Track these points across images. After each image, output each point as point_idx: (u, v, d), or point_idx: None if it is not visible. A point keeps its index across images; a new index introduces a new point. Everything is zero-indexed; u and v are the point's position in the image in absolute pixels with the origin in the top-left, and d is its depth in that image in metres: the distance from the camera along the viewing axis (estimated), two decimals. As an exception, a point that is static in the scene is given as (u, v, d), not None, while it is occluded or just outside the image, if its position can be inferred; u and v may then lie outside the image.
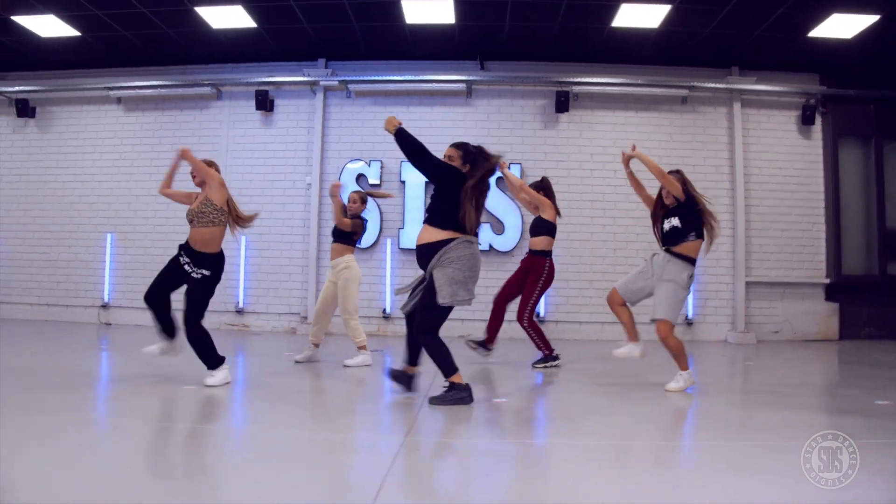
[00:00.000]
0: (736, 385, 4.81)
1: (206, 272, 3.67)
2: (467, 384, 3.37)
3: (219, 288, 7.19)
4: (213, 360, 3.73)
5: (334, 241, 4.78)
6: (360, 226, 4.82)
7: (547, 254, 4.91)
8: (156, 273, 3.80)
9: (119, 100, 7.59)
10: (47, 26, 6.56)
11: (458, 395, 3.30)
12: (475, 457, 2.63)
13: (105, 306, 7.43)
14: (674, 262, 3.81)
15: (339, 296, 4.68)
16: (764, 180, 7.19)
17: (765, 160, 7.21)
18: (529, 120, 7.20)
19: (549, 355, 4.84)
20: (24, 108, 7.60)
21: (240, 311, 7.22)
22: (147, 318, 3.95)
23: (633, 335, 4.05)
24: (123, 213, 7.51)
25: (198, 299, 3.66)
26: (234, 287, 7.27)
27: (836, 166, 7.17)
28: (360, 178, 7.13)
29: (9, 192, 7.68)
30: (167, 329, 3.79)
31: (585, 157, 7.15)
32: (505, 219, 6.97)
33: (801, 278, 7.12)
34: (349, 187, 7.08)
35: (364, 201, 4.90)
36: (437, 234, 3.30)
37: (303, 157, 7.29)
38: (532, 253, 4.97)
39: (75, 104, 7.67)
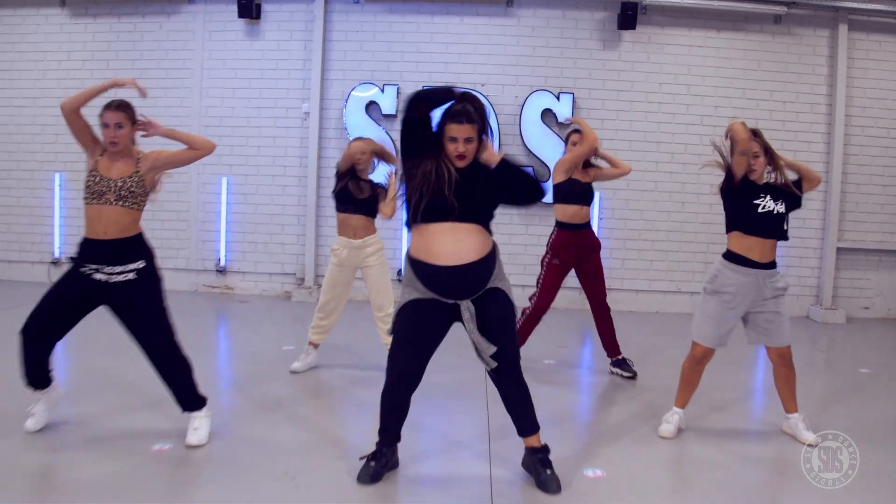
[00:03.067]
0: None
1: (139, 264, 2.43)
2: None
3: (196, 242, 6.04)
4: (195, 398, 2.55)
5: (352, 212, 3.44)
6: (385, 191, 3.51)
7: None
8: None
9: (63, 2, 5.97)
10: None
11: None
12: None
13: (56, 262, 6.07)
14: None
15: (377, 288, 3.50)
16: (867, 123, 5.86)
17: (871, 98, 5.84)
18: (585, 38, 5.72)
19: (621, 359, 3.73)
20: (-58, 9, 5.98)
21: (221, 271, 5.90)
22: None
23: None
24: (75, 147, 5.90)
25: (154, 314, 2.45)
26: (214, 241, 5.91)
27: (958, 108, 5.84)
28: (371, 106, 5.68)
29: (-72, 116, 6.14)
30: (42, 377, 2.49)
31: (653, 86, 5.73)
32: (552, 162, 5.59)
33: (901, 244, 5.93)
34: (358, 123, 5.65)
35: (374, 153, 3.49)
36: (489, 241, 2.20)
37: (299, 78, 5.80)
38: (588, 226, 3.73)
39: (6, 6, 6.05)
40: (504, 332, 2.19)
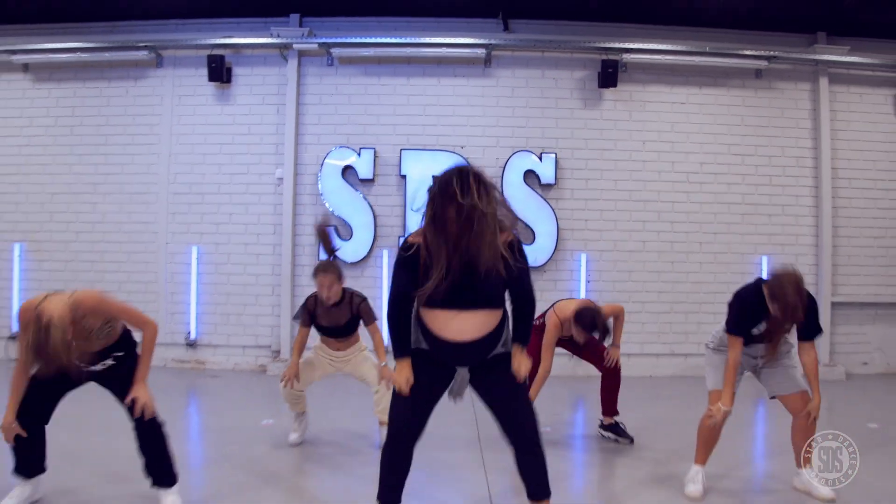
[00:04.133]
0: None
1: (118, 353, 2.51)
2: None
3: (165, 314, 5.71)
4: (170, 473, 2.54)
5: (332, 336, 3.30)
6: (368, 308, 3.26)
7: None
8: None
9: (26, 67, 5.76)
10: None
11: None
12: None
13: (14, 337, 5.70)
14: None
15: (359, 376, 3.40)
16: (854, 175, 5.78)
17: (855, 150, 5.78)
18: (566, 97, 5.61)
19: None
20: None
21: (191, 344, 5.57)
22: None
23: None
24: (36, 217, 5.76)
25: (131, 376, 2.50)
26: (184, 313, 5.60)
27: (942, 158, 5.80)
28: (348, 171, 5.48)
29: None
30: (35, 465, 2.53)
31: (636, 144, 5.62)
32: (536, 224, 5.43)
33: None
34: (333, 188, 5.45)
35: (341, 277, 3.18)
36: (497, 317, 2.19)
37: (272, 143, 5.60)
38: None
39: (-34, 71, 5.83)
40: (516, 397, 2.20)
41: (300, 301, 5.46)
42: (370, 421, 3.64)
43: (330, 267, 3.13)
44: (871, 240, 5.80)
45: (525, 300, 2.19)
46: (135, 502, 2.57)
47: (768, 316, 2.67)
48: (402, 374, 2.15)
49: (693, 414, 3.06)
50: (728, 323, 2.76)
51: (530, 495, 2.24)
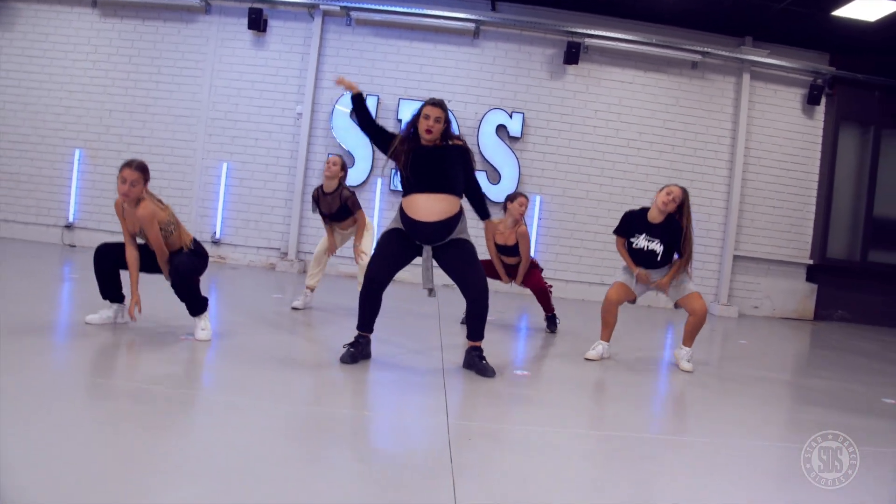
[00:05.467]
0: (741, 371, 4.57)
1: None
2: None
3: (196, 217, 6.98)
4: (199, 303, 3.38)
5: (331, 223, 4.44)
6: (353, 200, 4.34)
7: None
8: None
9: (95, 2, 6.94)
10: None
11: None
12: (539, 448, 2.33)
13: (69, 226, 6.96)
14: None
15: (364, 253, 4.32)
16: (762, 155, 7.14)
17: (766, 135, 7.14)
18: (536, 69, 6.91)
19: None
20: (-13, 1, 6.89)
21: (216, 242, 6.87)
22: (114, 238, 3.58)
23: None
24: (94, 128, 6.97)
25: (184, 263, 3.34)
26: (212, 216, 6.89)
27: (835, 150, 7.16)
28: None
29: (-34, 92, 7.01)
30: (114, 291, 3.45)
31: (589, 112, 6.93)
32: (502, 169, 6.75)
33: (786, 257, 7.18)
34: (342, 125, 6.71)
35: (344, 167, 4.35)
36: (457, 205, 3.11)
37: (295, 84, 6.86)
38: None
39: (44, 2, 6.99)
40: (469, 264, 3.07)
41: (308, 213, 6.88)
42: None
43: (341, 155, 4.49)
44: (771, 209, 7.17)
45: (476, 188, 3.25)
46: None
47: (647, 226, 3.73)
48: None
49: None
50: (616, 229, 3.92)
51: (469, 335, 3.21)
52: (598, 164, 6.93)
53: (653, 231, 3.78)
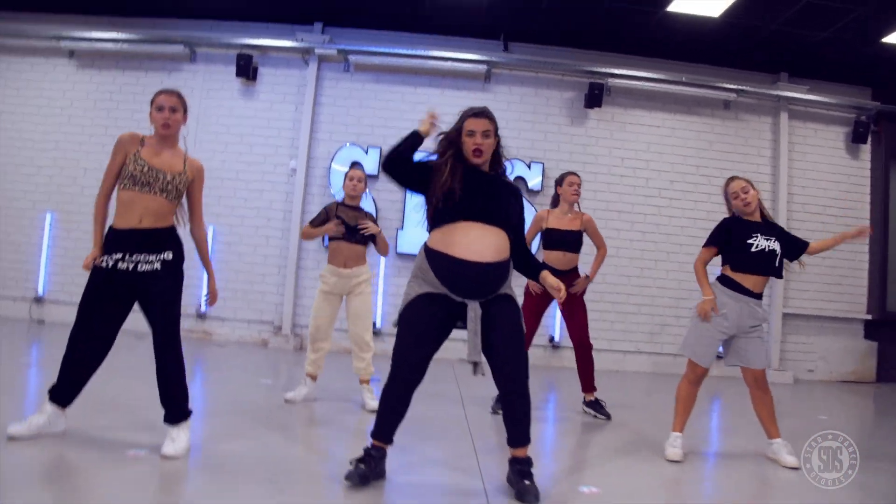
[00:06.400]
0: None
1: (167, 255, 2.48)
2: None
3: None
4: (183, 408, 2.55)
5: (345, 240, 3.59)
6: (374, 219, 3.78)
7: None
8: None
9: (71, 53, 6.36)
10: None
11: None
12: None
13: (38, 300, 6.21)
14: None
15: (357, 317, 3.58)
16: (807, 201, 6.45)
17: (809, 179, 6.46)
18: (555, 114, 6.28)
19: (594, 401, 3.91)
20: (-48, 54, 6.31)
21: (201, 316, 6.10)
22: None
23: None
24: (68, 189, 6.29)
25: (170, 301, 2.48)
26: (197, 286, 6.11)
27: (886, 191, 6.49)
28: (356, 166, 6.07)
29: (-74, 153, 6.36)
30: (72, 391, 2.53)
31: (615, 160, 6.27)
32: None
33: (840, 312, 6.41)
34: (341, 182, 6.03)
35: (366, 183, 3.78)
36: (507, 247, 2.32)
37: (288, 137, 6.21)
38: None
39: (16, 54, 6.40)
40: (518, 345, 2.28)
41: (304, 282, 6.10)
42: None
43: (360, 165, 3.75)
44: (820, 259, 6.40)
45: (523, 242, 2.42)
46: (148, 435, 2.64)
47: (755, 225, 2.98)
48: None
49: (663, 401, 3.23)
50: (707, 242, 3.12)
51: (510, 440, 2.34)
52: (627, 217, 6.23)
53: (763, 229, 3.02)
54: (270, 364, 5.20)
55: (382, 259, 5.97)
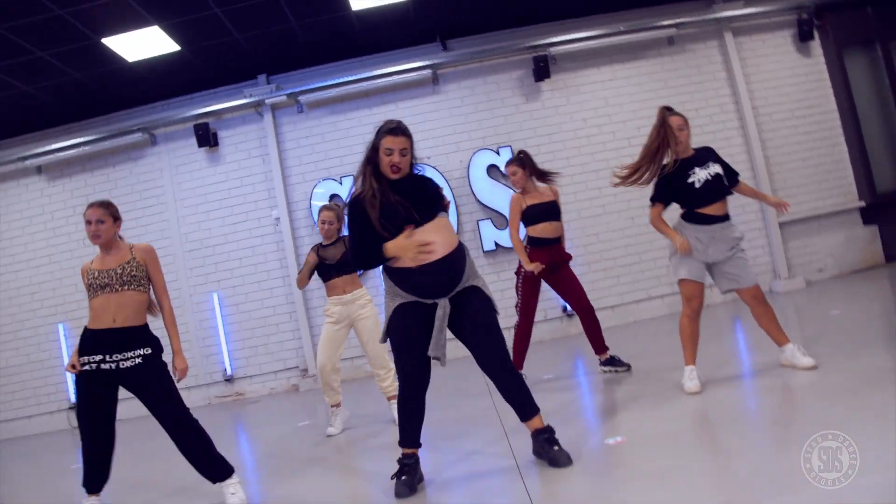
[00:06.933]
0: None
1: (146, 350, 2.64)
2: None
3: (200, 358, 6.39)
4: (220, 467, 2.71)
5: (335, 276, 3.74)
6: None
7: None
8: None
9: (39, 169, 6.53)
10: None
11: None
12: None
13: (73, 408, 6.38)
14: None
15: (370, 339, 3.71)
16: (772, 110, 6.53)
17: (769, 88, 6.54)
18: (508, 95, 6.39)
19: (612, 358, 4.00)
20: (-71, 201, 6.49)
21: (229, 380, 6.25)
22: (130, 408, 2.92)
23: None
24: (72, 297, 6.46)
25: (163, 384, 2.65)
26: (217, 353, 6.29)
27: (846, 79, 6.54)
28: (334, 199, 6.22)
29: (-69, 300, 6.56)
30: (100, 478, 2.72)
31: (578, 123, 6.37)
32: (506, 210, 6.12)
33: (834, 207, 6.48)
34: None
35: (341, 219, 3.84)
36: (455, 238, 2.49)
37: (263, 189, 6.35)
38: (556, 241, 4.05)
39: (-12, 183, 6.59)
40: (488, 328, 2.39)
41: (316, 321, 6.25)
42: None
43: (332, 206, 3.86)
44: (801, 161, 6.52)
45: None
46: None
47: (688, 162, 3.01)
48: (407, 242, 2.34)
49: (678, 340, 3.25)
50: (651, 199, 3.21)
51: (521, 416, 2.47)
52: (605, 173, 6.30)
53: (697, 161, 3.10)
54: (305, 406, 5.34)
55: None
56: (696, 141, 6.61)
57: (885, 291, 5.44)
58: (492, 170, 6.20)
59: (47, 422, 6.39)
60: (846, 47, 6.61)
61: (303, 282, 3.85)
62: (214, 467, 2.69)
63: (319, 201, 6.07)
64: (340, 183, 6.21)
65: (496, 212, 6.14)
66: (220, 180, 6.37)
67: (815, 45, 6.62)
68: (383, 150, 2.44)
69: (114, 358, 2.59)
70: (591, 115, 6.38)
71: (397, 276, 2.40)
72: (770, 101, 6.51)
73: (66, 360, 6.39)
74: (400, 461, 2.50)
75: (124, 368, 2.59)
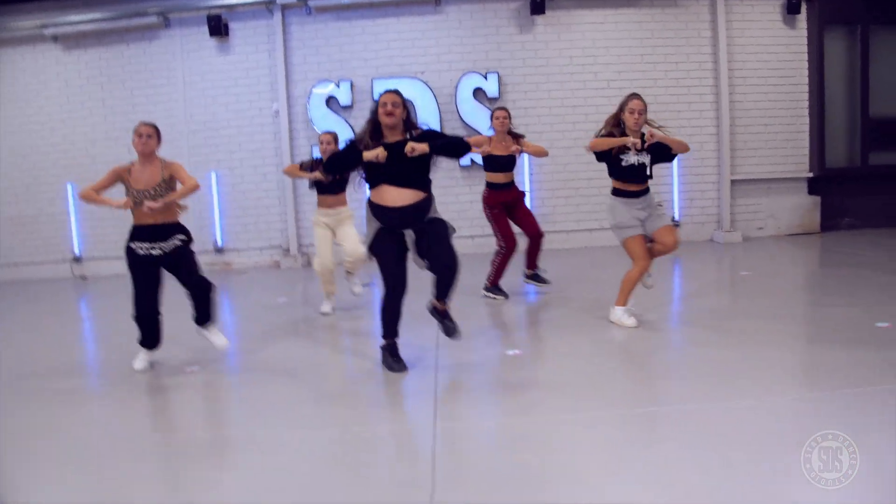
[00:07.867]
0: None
1: (183, 237, 3.35)
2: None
3: (196, 230, 7.02)
4: (213, 315, 3.50)
5: (326, 194, 4.33)
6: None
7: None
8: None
9: (55, 38, 6.92)
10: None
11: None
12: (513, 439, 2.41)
13: (77, 259, 7.12)
14: None
15: (347, 236, 4.35)
16: (748, 75, 6.98)
17: (749, 53, 6.96)
18: (504, 25, 6.79)
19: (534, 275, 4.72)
20: (-47, 52, 6.91)
21: (219, 250, 6.98)
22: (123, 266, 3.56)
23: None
24: (82, 160, 7.04)
25: (191, 259, 3.36)
26: (211, 226, 6.98)
27: (822, 56, 6.96)
28: (331, 101, 6.73)
29: (-48, 147, 7.11)
30: (155, 339, 3.44)
31: (565, 60, 6.82)
32: (486, 131, 6.69)
33: (785, 173, 7.08)
34: (320, 115, 6.70)
35: (337, 141, 4.37)
36: (422, 194, 3.10)
37: (266, 82, 6.83)
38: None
39: (5, 46, 6.98)
40: (440, 241, 3.01)
41: (302, 207, 6.90)
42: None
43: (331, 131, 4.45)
44: (763, 127, 7.05)
45: (446, 144, 3.05)
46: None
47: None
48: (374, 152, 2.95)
49: (615, 272, 3.93)
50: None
51: (436, 295, 3.09)
52: (582, 110, 6.84)
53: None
54: (284, 282, 6.07)
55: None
56: (668, 92, 7.08)
57: (809, 258, 6.12)
58: (477, 93, 6.70)
59: (53, 270, 7.13)
60: (828, 25, 6.98)
61: (291, 174, 4.53)
62: (209, 314, 3.46)
63: (320, 91, 6.60)
64: (338, 86, 6.70)
65: (477, 131, 6.67)
66: (227, 69, 6.83)
67: (802, 18, 6.98)
68: (381, 104, 3.03)
69: (160, 246, 3.30)
70: (579, 53, 6.81)
71: (376, 210, 3.07)
72: (747, 66, 6.95)
73: (75, 218, 7.08)
74: (386, 347, 3.19)
75: (168, 252, 3.31)
